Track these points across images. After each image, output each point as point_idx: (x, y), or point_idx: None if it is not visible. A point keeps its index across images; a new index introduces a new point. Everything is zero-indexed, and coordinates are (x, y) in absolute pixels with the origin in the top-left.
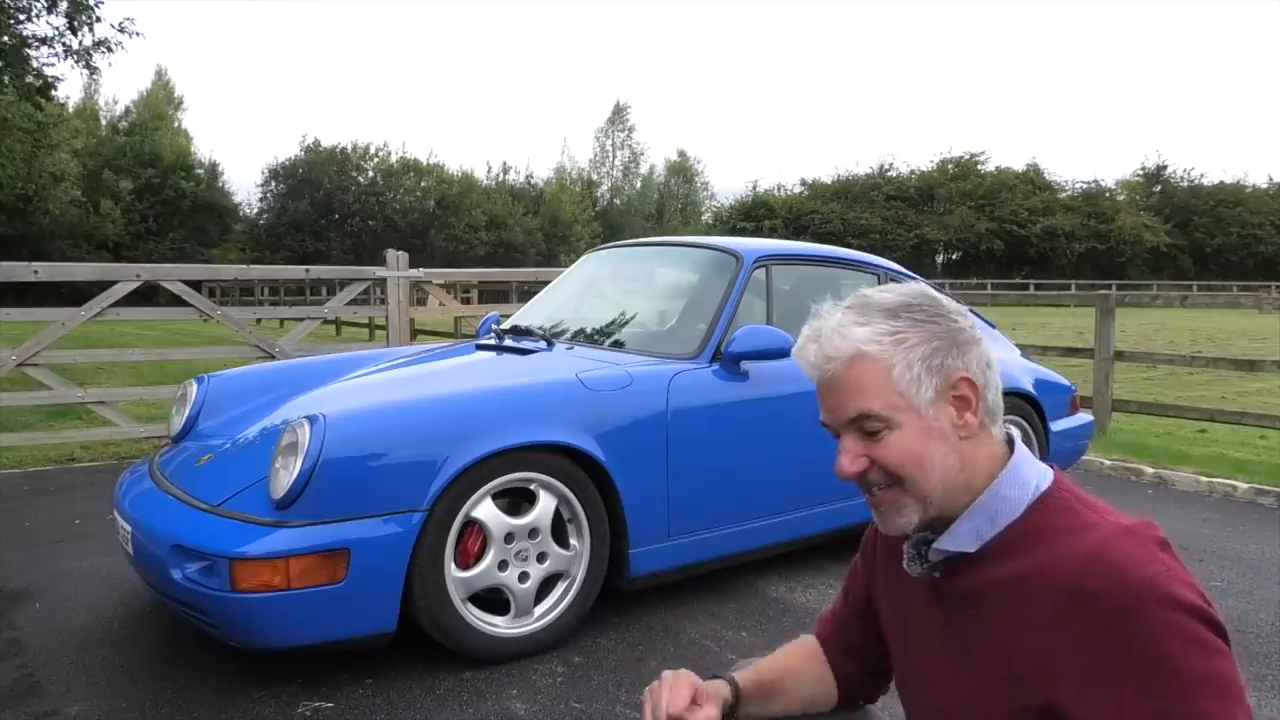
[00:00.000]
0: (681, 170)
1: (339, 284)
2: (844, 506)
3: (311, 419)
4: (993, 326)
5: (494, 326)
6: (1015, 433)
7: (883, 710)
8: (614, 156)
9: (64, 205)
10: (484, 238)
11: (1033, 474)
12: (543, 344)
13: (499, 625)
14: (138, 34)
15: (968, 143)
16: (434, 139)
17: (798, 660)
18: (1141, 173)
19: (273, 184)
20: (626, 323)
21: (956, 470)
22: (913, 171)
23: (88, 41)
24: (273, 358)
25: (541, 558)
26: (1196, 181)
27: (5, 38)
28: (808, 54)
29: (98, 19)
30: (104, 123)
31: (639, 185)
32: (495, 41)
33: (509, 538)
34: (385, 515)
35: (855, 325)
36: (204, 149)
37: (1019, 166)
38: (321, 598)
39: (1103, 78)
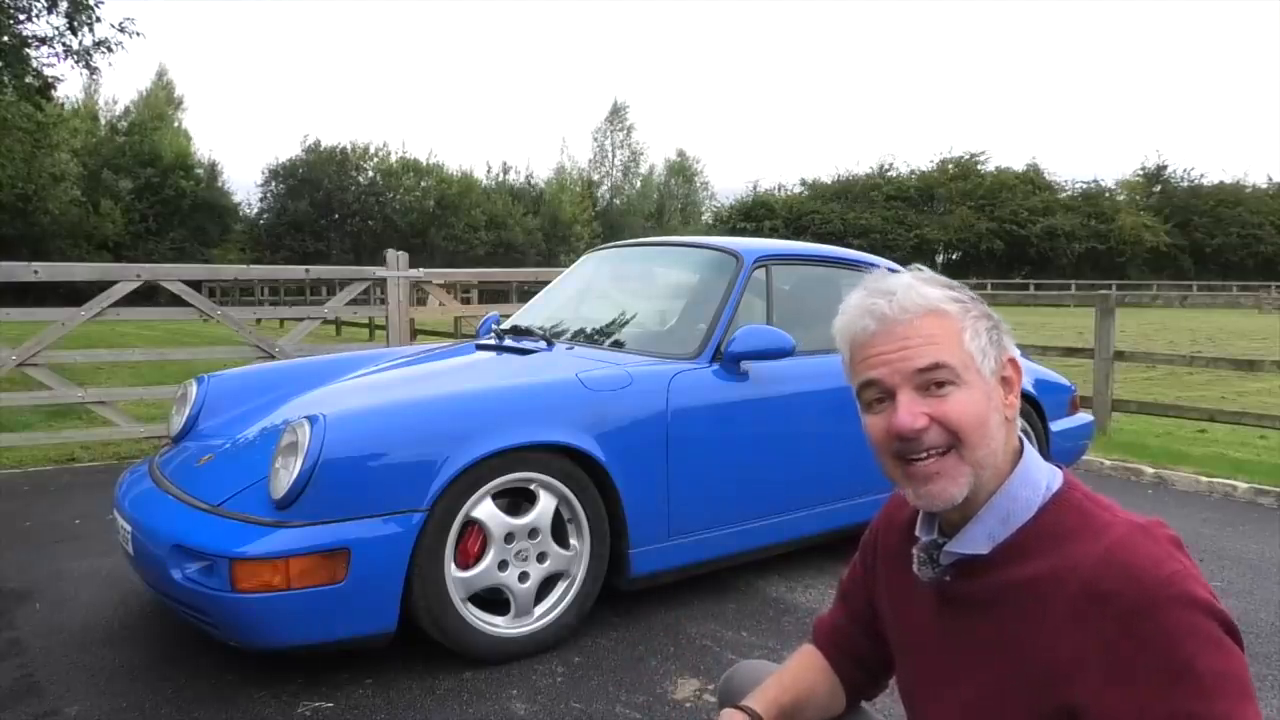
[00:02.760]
0: (681, 170)
1: (339, 284)
2: (844, 506)
3: (311, 419)
4: None
5: (494, 326)
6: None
7: (881, 712)
8: (613, 156)
9: (64, 205)
10: (484, 238)
11: (1043, 474)
12: (543, 344)
13: (499, 625)
14: (138, 34)
15: (968, 143)
16: (434, 139)
17: (810, 675)
18: (1141, 173)
19: (273, 184)
20: (626, 323)
21: (1002, 445)
22: (913, 171)
23: (88, 41)
24: (273, 358)
25: (541, 558)
26: (1196, 181)
27: (5, 38)
28: (807, 54)
29: (98, 19)
30: (104, 122)
31: (639, 185)
32: (494, 41)
33: (509, 538)
34: (385, 515)
35: (927, 287)
36: (204, 149)
37: (1019, 166)
38: (321, 597)
39: (1103, 78)
